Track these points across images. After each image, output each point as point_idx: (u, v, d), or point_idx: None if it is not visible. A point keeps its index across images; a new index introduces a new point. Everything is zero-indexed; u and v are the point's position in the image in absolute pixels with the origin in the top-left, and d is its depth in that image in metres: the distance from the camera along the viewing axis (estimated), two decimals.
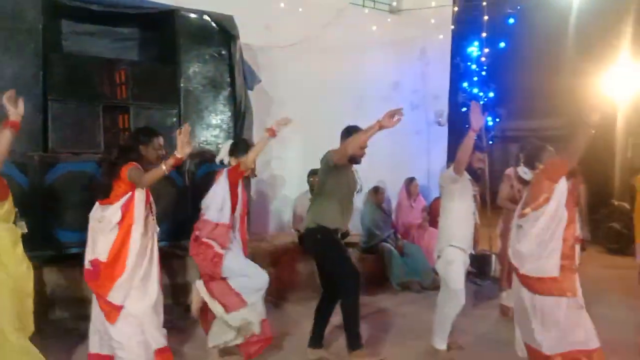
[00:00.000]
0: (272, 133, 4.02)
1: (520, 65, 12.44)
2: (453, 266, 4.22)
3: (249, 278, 3.99)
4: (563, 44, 12.14)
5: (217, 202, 3.99)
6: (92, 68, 5.41)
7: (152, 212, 3.61)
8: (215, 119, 6.02)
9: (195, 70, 5.92)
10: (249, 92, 6.39)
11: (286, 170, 7.65)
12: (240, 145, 4.27)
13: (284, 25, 7.29)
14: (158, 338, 3.51)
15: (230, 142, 4.41)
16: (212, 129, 6.01)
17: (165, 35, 6.01)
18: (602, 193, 9.54)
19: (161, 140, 3.67)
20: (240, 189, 4.11)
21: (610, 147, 10.89)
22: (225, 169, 4.11)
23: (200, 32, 5.94)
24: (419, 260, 6.70)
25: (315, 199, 4.32)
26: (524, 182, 3.52)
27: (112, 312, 3.39)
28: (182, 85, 5.83)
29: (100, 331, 3.53)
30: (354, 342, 4.11)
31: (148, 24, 6.08)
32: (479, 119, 3.86)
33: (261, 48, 7.04)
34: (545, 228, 3.19)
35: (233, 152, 4.22)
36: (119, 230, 3.39)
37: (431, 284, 6.38)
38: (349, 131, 4.06)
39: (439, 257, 4.35)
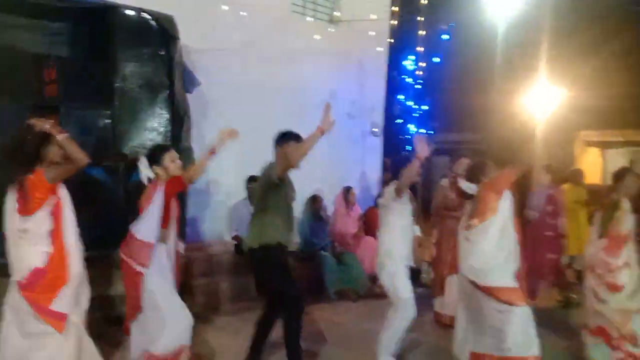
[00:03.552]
0: (213, 152, 3.71)
1: (451, 81, 12.88)
2: (397, 276, 4.26)
3: (167, 329, 3.58)
4: (490, 63, 12.70)
5: (151, 223, 3.60)
6: (20, 64, 5.09)
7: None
8: (151, 122, 5.77)
9: (131, 69, 5.68)
10: (187, 95, 6.23)
11: (222, 177, 7.46)
12: (158, 150, 3.90)
13: (225, 28, 7.16)
14: None
15: (143, 156, 3.90)
16: (149, 132, 5.76)
17: (99, 31, 5.72)
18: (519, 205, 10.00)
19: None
20: (174, 201, 3.81)
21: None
22: (162, 182, 3.69)
23: (138, 30, 5.70)
24: (355, 269, 6.76)
25: (257, 216, 4.10)
26: (467, 196, 3.62)
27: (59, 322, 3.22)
28: (117, 85, 5.60)
29: None
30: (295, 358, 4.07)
31: (81, 19, 5.74)
32: (424, 149, 4.02)
33: (200, 50, 6.87)
34: (495, 239, 3.31)
35: (155, 160, 3.78)
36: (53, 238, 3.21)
37: (367, 292, 6.45)
38: (286, 137, 3.96)
39: (381, 270, 4.37)
